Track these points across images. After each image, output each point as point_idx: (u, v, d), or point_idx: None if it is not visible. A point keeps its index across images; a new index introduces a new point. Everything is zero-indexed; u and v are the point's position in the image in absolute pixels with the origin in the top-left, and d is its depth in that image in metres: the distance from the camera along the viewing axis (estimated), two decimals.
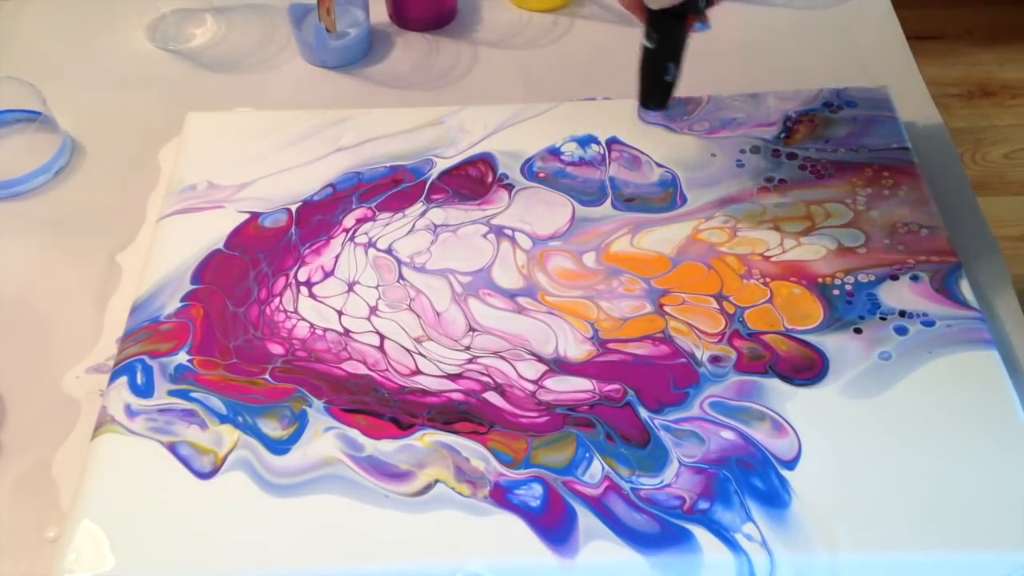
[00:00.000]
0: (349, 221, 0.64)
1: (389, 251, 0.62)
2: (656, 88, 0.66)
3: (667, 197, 0.64)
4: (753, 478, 0.51)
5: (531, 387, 0.55)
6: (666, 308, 0.58)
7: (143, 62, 0.80)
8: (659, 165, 0.66)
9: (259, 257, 0.62)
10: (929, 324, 0.57)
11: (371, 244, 0.63)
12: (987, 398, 0.54)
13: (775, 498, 0.50)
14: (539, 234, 0.63)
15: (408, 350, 0.57)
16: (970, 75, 1.70)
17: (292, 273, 0.61)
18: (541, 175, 0.66)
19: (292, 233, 0.63)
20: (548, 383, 0.55)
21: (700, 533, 0.49)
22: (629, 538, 0.49)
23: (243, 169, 0.67)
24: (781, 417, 0.53)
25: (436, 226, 0.63)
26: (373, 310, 0.59)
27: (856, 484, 0.51)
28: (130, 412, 0.54)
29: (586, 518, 0.50)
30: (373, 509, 0.50)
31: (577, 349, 0.57)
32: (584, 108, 0.71)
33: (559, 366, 0.56)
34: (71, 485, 0.54)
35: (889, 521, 0.49)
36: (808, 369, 0.55)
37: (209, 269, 0.61)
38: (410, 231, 0.63)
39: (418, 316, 0.59)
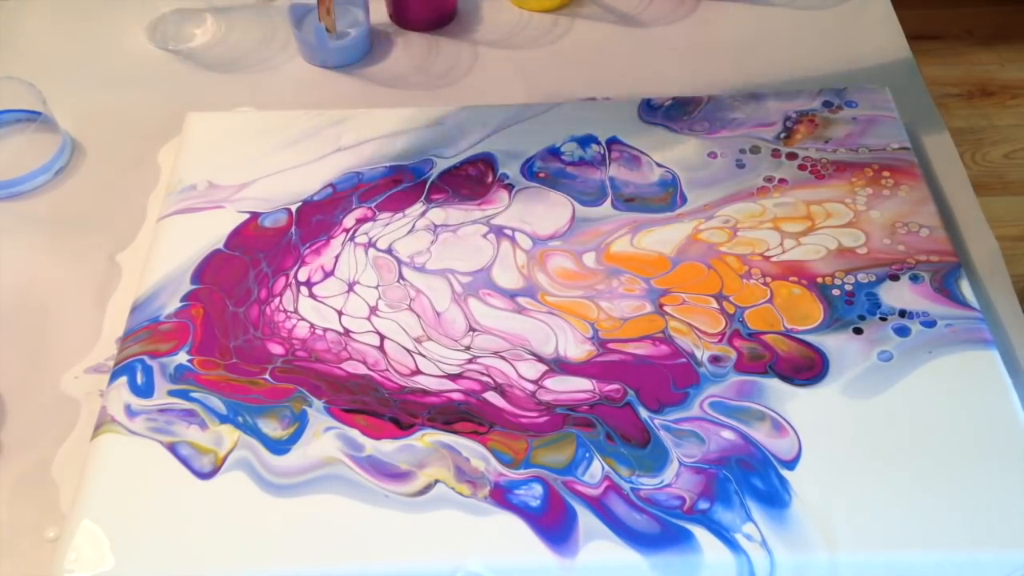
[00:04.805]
0: (349, 221, 0.64)
1: (389, 251, 0.62)
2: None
3: (667, 197, 0.64)
4: (753, 478, 0.51)
5: (531, 387, 0.55)
6: (666, 308, 0.58)
7: (143, 62, 0.80)
8: (659, 165, 0.66)
9: (259, 257, 0.62)
10: (929, 324, 0.57)
11: (371, 244, 0.63)
12: (987, 398, 0.54)
13: (775, 498, 0.50)
14: (539, 234, 0.63)
15: (408, 350, 0.57)
16: (970, 75, 1.70)
17: (292, 273, 0.61)
18: (541, 175, 0.66)
19: (292, 233, 0.63)
20: (548, 383, 0.55)
21: (700, 533, 0.49)
22: (629, 538, 0.49)
23: (243, 169, 0.67)
24: (781, 417, 0.53)
25: (436, 226, 0.63)
26: (373, 310, 0.59)
27: (856, 484, 0.51)
28: (130, 412, 0.54)
29: (586, 518, 0.50)
30: (373, 509, 0.50)
31: (577, 349, 0.57)
32: (584, 108, 0.71)
33: (559, 366, 0.56)
34: (71, 485, 0.54)
35: (889, 521, 0.49)
36: (808, 369, 0.55)
37: (209, 269, 0.61)
38: (410, 231, 0.63)
39: (418, 316, 0.59)
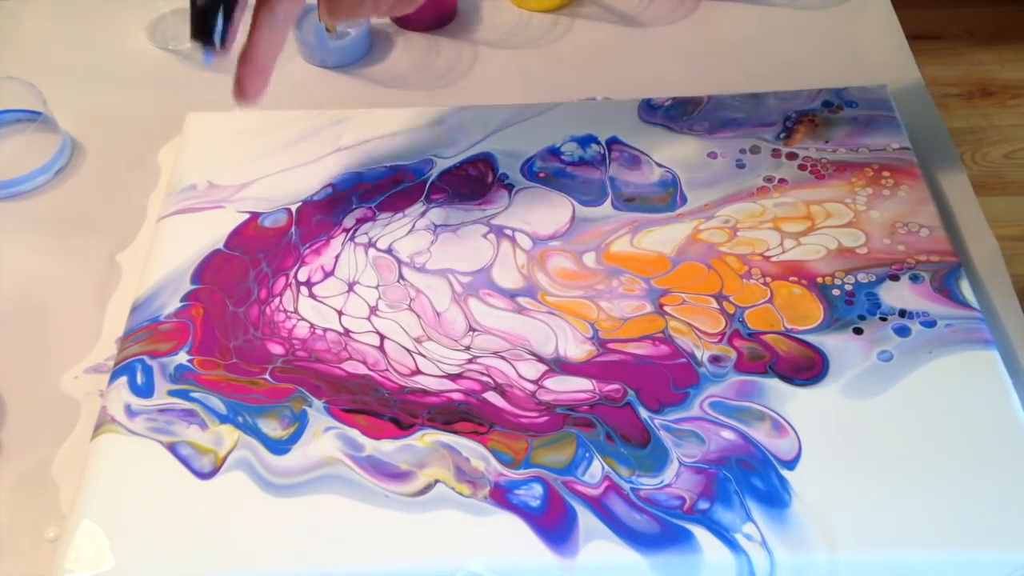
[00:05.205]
0: (349, 221, 0.64)
1: (389, 251, 0.62)
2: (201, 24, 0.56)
3: (667, 197, 0.64)
4: (753, 478, 0.51)
5: (531, 387, 0.55)
6: (666, 308, 0.58)
7: (143, 62, 0.80)
8: (659, 165, 0.66)
9: (259, 257, 0.62)
10: (929, 324, 0.57)
11: (371, 244, 0.63)
12: (987, 398, 0.54)
13: (775, 498, 0.50)
14: (539, 234, 0.63)
15: (408, 350, 0.57)
16: (970, 75, 1.70)
17: (292, 273, 0.61)
18: (541, 175, 0.66)
19: (292, 233, 0.63)
20: (548, 383, 0.55)
21: (700, 533, 0.49)
22: (629, 538, 0.49)
23: (243, 169, 0.67)
24: (781, 417, 0.53)
25: (436, 226, 0.63)
26: (373, 310, 0.59)
27: (856, 484, 0.51)
28: (130, 412, 0.54)
29: (586, 518, 0.50)
30: (373, 509, 0.50)
31: (577, 349, 0.57)
32: (584, 108, 0.71)
33: (559, 366, 0.56)
34: (71, 485, 0.53)
35: (889, 521, 0.49)
36: (808, 369, 0.55)
37: (209, 269, 0.61)
38: (410, 231, 0.63)
39: (418, 316, 0.59)
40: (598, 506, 0.50)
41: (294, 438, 0.53)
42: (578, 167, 0.66)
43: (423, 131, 0.69)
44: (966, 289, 0.58)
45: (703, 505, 0.50)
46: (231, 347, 0.57)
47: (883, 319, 0.57)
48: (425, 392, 0.55)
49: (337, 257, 0.62)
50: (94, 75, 0.79)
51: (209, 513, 0.51)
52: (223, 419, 0.54)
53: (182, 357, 0.57)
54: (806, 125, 0.68)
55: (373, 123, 0.70)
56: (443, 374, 0.56)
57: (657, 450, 0.52)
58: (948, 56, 1.72)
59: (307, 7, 0.79)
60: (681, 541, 0.49)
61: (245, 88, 0.57)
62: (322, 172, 0.67)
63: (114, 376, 0.56)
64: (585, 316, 0.58)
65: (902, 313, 0.57)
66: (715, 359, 0.56)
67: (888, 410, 0.53)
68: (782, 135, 0.68)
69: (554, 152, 0.67)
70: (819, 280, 0.59)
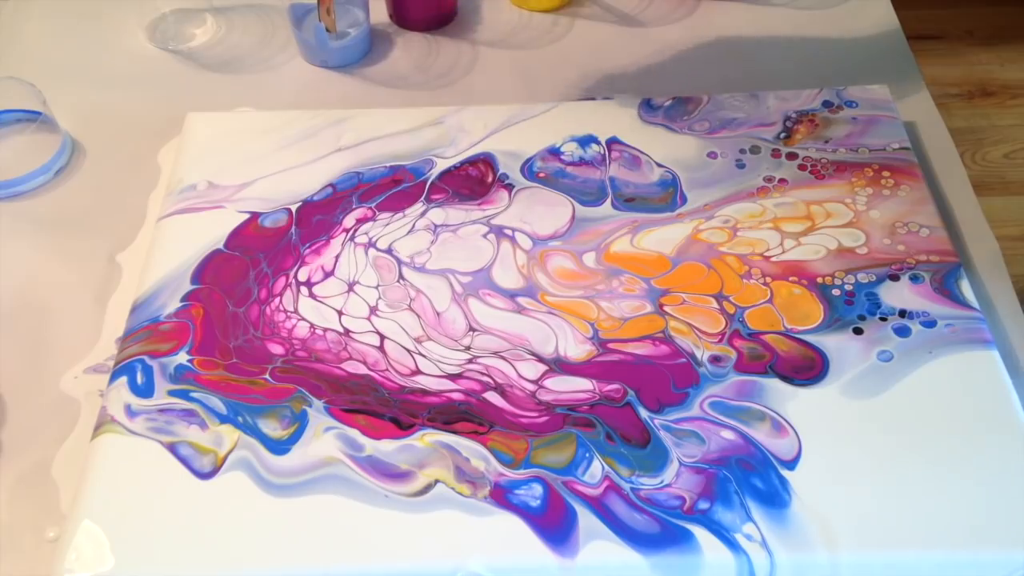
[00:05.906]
0: (349, 221, 0.64)
1: (389, 251, 0.62)
2: None
3: (667, 197, 0.64)
4: (753, 478, 0.51)
5: (531, 387, 0.55)
6: (666, 308, 0.58)
7: (143, 62, 0.80)
8: (659, 165, 0.66)
9: (259, 257, 0.62)
10: (929, 324, 0.57)
11: (371, 244, 0.63)
12: (987, 398, 0.54)
13: (775, 498, 0.50)
14: (539, 234, 0.63)
15: (408, 350, 0.57)
16: (970, 75, 1.70)
17: (292, 273, 0.61)
18: (541, 175, 0.66)
19: (292, 233, 0.63)
20: (548, 383, 0.55)
21: (700, 533, 0.49)
22: (629, 538, 0.49)
23: (243, 169, 0.67)
24: (781, 417, 0.53)
25: (436, 226, 0.63)
26: (373, 310, 0.59)
27: (856, 484, 0.51)
28: (130, 412, 0.54)
29: (586, 518, 0.50)
30: (373, 509, 0.50)
31: (577, 349, 0.57)
32: (584, 108, 0.71)
33: (559, 366, 0.56)
34: (71, 485, 0.54)
35: (889, 521, 0.49)
36: (808, 369, 0.55)
37: (209, 269, 0.61)
38: (410, 231, 0.63)
39: (418, 316, 0.59)
40: (598, 506, 0.50)
41: (294, 438, 0.53)
42: (578, 167, 0.66)
43: (423, 131, 0.69)
44: (966, 289, 0.58)
45: (703, 505, 0.50)
46: (231, 347, 0.57)
47: (883, 319, 0.57)
48: (425, 392, 0.55)
49: (337, 257, 0.62)
50: (94, 75, 0.79)
51: (209, 513, 0.51)
52: (223, 419, 0.54)
53: (182, 357, 0.57)
54: (806, 125, 0.68)
55: (373, 123, 0.70)
56: (443, 374, 0.56)
57: (657, 450, 0.52)
58: (948, 56, 1.72)
59: (307, 7, 0.79)
60: (681, 541, 0.49)
61: None
62: (322, 172, 0.67)
63: (114, 376, 0.56)
64: (585, 316, 0.58)
65: (902, 313, 0.57)
66: (715, 359, 0.56)
67: (888, 410, 0.53)
68: (782, 135, 0.68)
69: (554, 152, 0.67)
70: (819, 280, 0.59)
